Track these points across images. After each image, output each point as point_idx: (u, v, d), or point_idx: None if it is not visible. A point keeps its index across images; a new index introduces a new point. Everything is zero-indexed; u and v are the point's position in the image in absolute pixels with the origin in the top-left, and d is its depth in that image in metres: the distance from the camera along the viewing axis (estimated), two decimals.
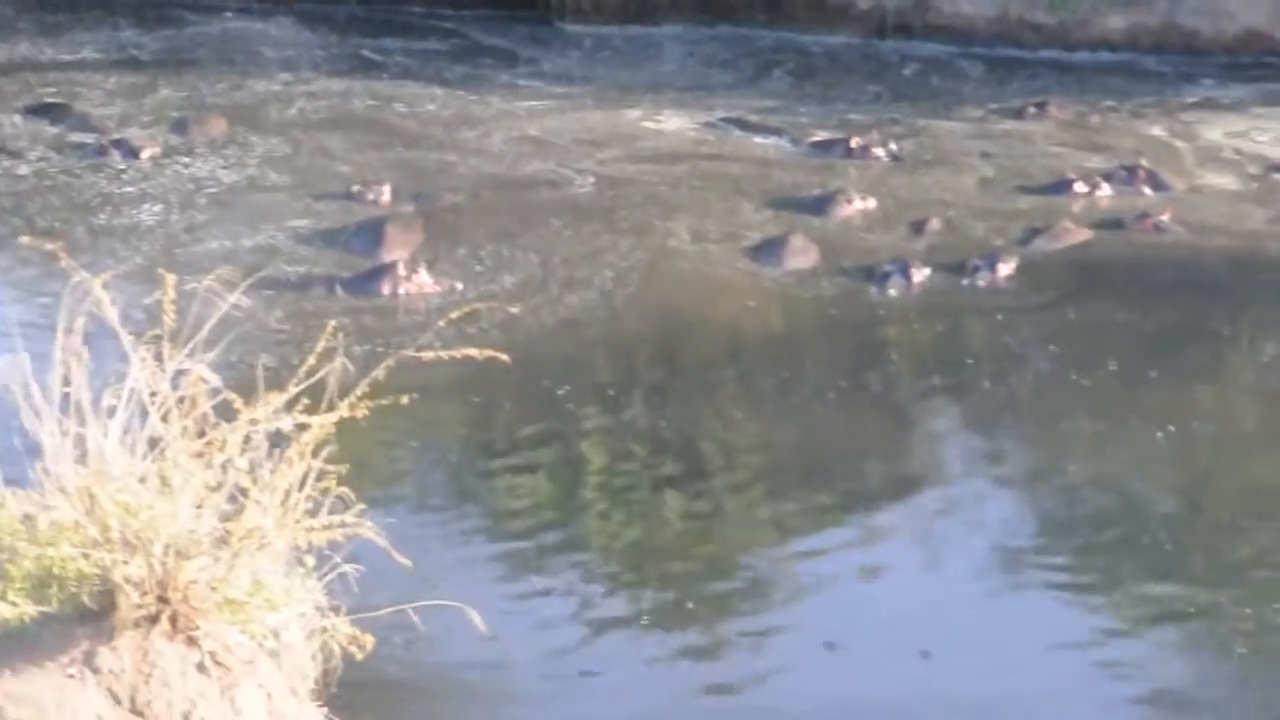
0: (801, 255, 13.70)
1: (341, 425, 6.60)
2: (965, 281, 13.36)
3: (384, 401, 6.69)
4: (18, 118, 16.92)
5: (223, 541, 6.29)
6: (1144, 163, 15.72)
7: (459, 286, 12.85)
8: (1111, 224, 14.51)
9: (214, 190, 15.00)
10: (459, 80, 18.78)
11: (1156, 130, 17.30)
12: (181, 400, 6.38)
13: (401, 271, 12.87)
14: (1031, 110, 17.85)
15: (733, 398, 11.65)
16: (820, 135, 16.79)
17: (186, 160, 15.75)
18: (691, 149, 16.60)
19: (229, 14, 21.53)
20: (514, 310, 12.22)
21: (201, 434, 6.45)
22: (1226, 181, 15.73)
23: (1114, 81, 19.11)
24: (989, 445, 11.32)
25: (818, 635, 8.89)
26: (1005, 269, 13.48)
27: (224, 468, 6.41)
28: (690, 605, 9.17)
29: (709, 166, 16.03)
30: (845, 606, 9.22)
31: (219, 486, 6.34)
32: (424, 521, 9.72)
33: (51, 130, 16.54)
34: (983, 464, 11.06)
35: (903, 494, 10.45)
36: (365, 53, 19.91)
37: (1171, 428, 11.01)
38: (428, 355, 6.92)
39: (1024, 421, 11.58)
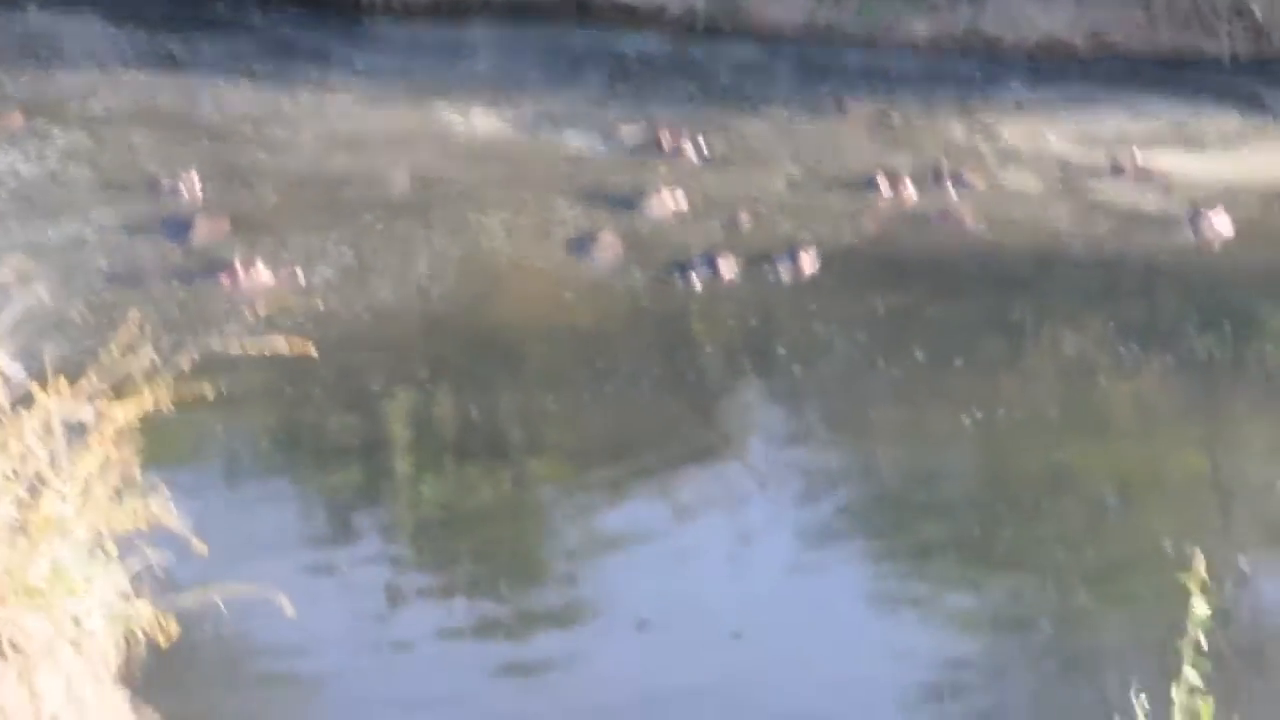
0: (612, 249, 13.80)
1: (147, 418, 6.56)
2: (772, 275, 13.51)
3: (187, 392, 6.64)
4: None
5: (21, 529, 6.22)
6: (946, 162, 16.03)
7: (268, 280, 12.76)
8: (916, 220, 14.78)
9: (11, 183, 14.75)
10: (269, 76, 18.59)
11: (959, 132, 17.61)
12: None
13: (208, 264, 12.75)
14: (838, 111, 18.11)
15: (543, 386, 11.66)
16: (631, 133, 16.90)
17: None
18: (503, 147, 16.61)
19: (31, 8, 21.14)
20: (321, 304, 12.16)
21: None
22: (1026, 181, 16.05)
23: (918, 85, 19.44)
24: (798, 430, 11.49)
25: (628, 615, 8.97)
26: (812, 263, 13.66)
27: (22, 456, 6.33)
28: (500, 586, 9.24)
29: (521, 164, 16.04)
30: (656, 587, 9.27)
31: (16, 475, 6.27)
32: (229, 508, 9.62)
33: None
34: (791, 448, 11.22)
35: (712, 478, 10.56)
36: (174, 49, 19.65)
37: (975, 414, 11.22)
38: (235, 348, 6.89)
39: (831, 407, 11.76)
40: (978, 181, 15.80)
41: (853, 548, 9.92)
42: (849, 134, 17.53)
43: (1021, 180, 16.08)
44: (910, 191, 15.40)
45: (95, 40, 20.07)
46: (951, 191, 15.47)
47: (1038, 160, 16.64)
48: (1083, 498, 10.48)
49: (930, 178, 15.67)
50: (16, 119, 16.45)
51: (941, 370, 11.98)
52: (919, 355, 12.15)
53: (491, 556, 9.55)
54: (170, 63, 19.13)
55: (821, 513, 10.22)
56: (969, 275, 13.84)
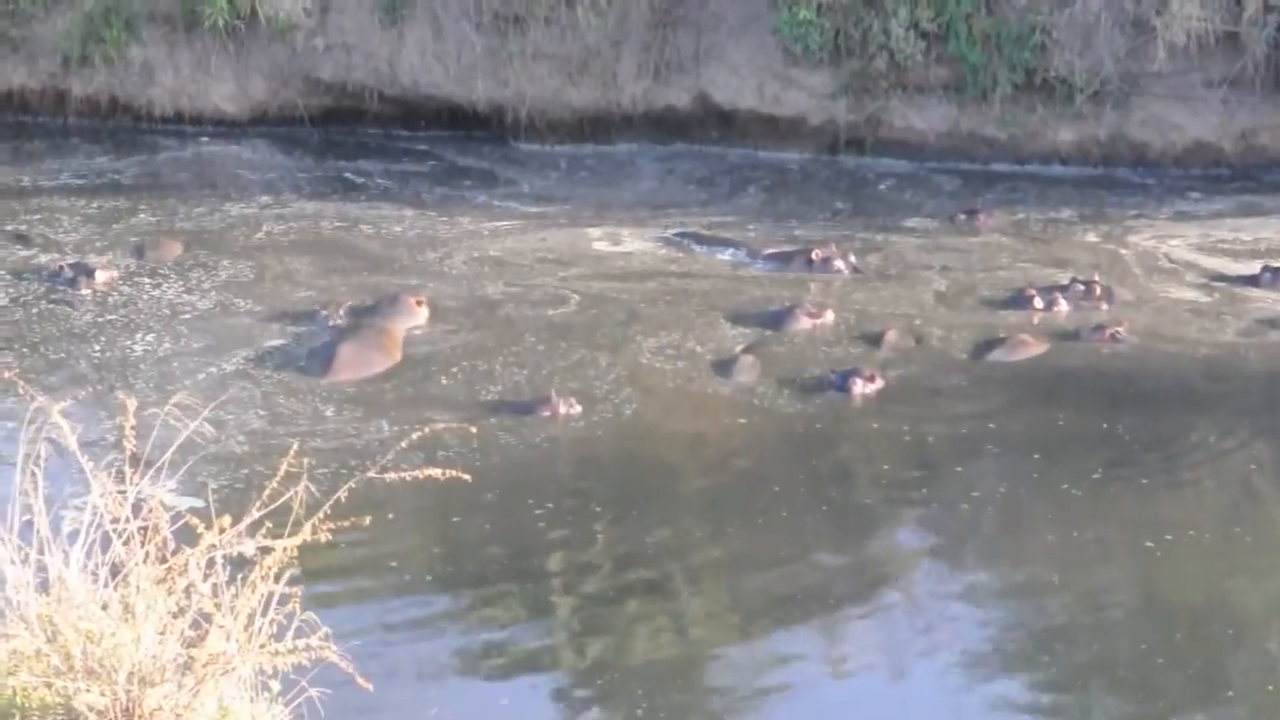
0: (762, 366, 13.76)
1: (305, 548, 6.56)
2: (922, 391, 13.42)
3: (345, 524, 6.65)
4: None
5: (187, 668, 6.23)
6: (1098, 275, 15.86)
7: (425, 408, 12.79)
8: (1069, 335, 14.62)
9: (173, 314, 15.00)
10: (427, 200, 18.95)
11: (1109, 242, 17.46)
12: (143, 526, 6.33)
13: (369, 391, 12.84)
14: (985, 223, 18.02)
15: (694, 511, 11.61)
16: (779, 249, 16.92)
17: (148, 284, 15.78)
18: (656, 266, 16.71)
19: (204, 139, 21.67)
20: (478, 429, 12.18)
21: (163, 559, 6.39)
22: (1177, 292, 15.85)
23: (1066, 194, 19.30)
24: (954, 553, 11.26)
25: None
26: (963, 378, 13.55)
27: (187, 593, 6.36)
28: (661, 715, 9.13)
29: (672, 283, 16.14)
30: (813, 715, 9.16)
31: (182, 612, 6.29)
32: (389, 642, 9.63)
33: (14, 256, 16.54)
34: (948, 572, 11.02)
35: (869, 603, 10.41)
36: (346, 175, 20.06)
37: (1137, 537, 11.03)
38: (390, 477, 6.89)
39: (986, 528, 11.57)
40: (1129, 293, 15.63)
41: (1012, 678, 9.70)
42: (997, 245, 17.43)
43: (1173, 291, 15.89)
44: (1063, 305, 15.25)
45: (264, 168, 20.55)
46: (1104, 305, 15.30)
47: (1188, 270, 16.45)
48: (1246, 630, 10.15)
49: (1081, 290, 15.50)
50: (181, 249, 16.78)
51: (1100, 490, 11.78)
52: (1076, 474, 11.97)
53: (652, 688, 9.43)
54: (337, 188, 19.53)
55: (979, 642, 9.99)
56: (1124, 391, 13.63)
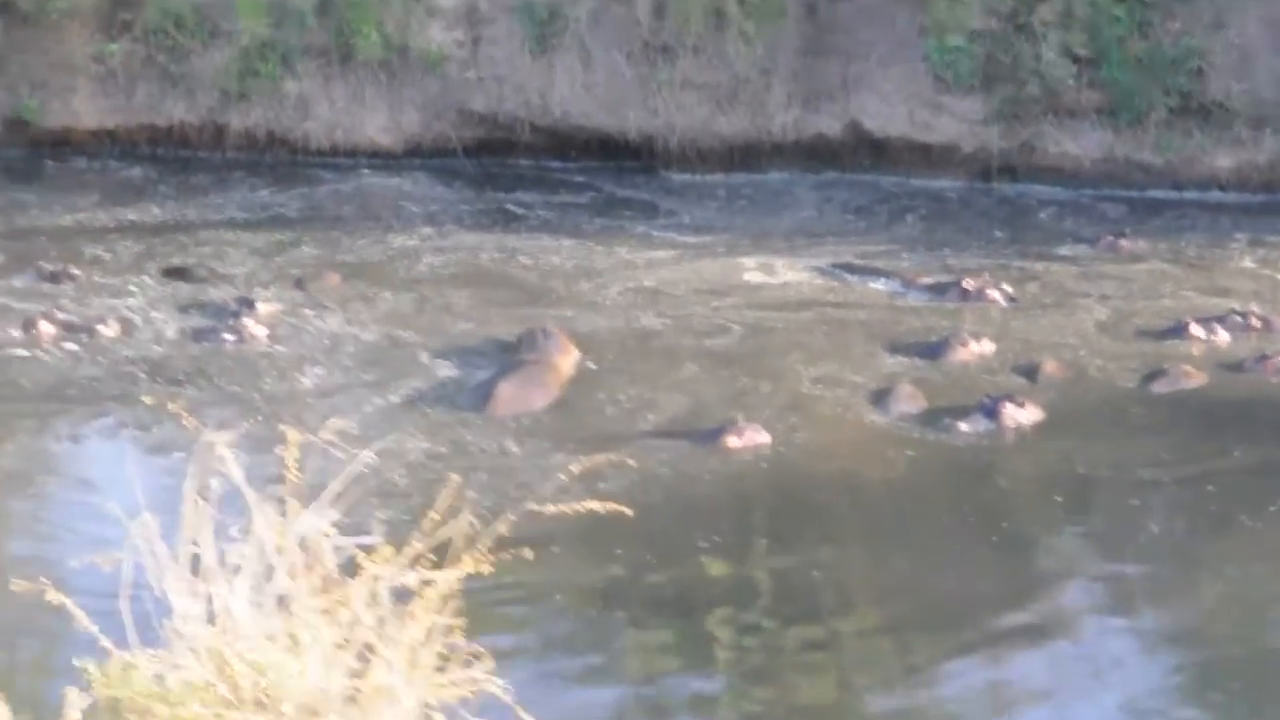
0: (918, 396, 13.63)
1: (469, 583, 6.59)
2: (1086, 423, 13.22)
3: (507, 555, 6.67)
4: (148, 279, 17.24)
5: (352, 699, 6.27)
6: (1257, 305, 15.58)
7: (587, 439, 12.81)
8: (1232, 366, 14.36)
9: (335, 347, 15.16)
10: (593, 232, 19.09)
11: (1269, 269, 17.15)
12: (307, 557, 6.39)
13: (529, 424, 12.88)
14: (1143, 250, 17.78)
15: (853, 541, 11.53)
16: (934, 279, 16.80)
17: (310, 315, 15.98)
18: (811, 295, 16.68)
19: (365, 171, 21.96)
20: (632, 461, 12.14)
21: (327, 591, 6.44)
22: None
23: (1225, 221, 19.01)
24: (1124, 591, 10.95)
25: None
26: (1127, 411, 13.35)
27: (351, 624, 6.40)
28: None
29: (830, 312, 16.11)
30: None
31: (347, 643, 6.33)
32: (549, 675, 9.64)
33: (181, 291, 16.82)
34: (1117, 611, 10.73)
35: (1034, 642, 10.19)
36: (507, 206, 20.24)
37: None
38: (552, 509, 6.91)
39: (1159, 566, 11.27)
40: None
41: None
42: (1156, 274, 17.19)
43: None
44: (1222, 335, 14.99)
45: (425, 200, 20.81)
46: (1265, 334, 15.01)
47: None
48: None
49: (1241, 320, 15.22)
50: (337, 281, 16.99)
51: (1272, 527, 11.47)
52: (1252, 507, 11.66)
53: None
54: (497, 219, 19.71)
55: (1146, 681, 9.75)
56: None
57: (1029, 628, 10.37)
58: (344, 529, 6.65)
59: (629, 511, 7.33)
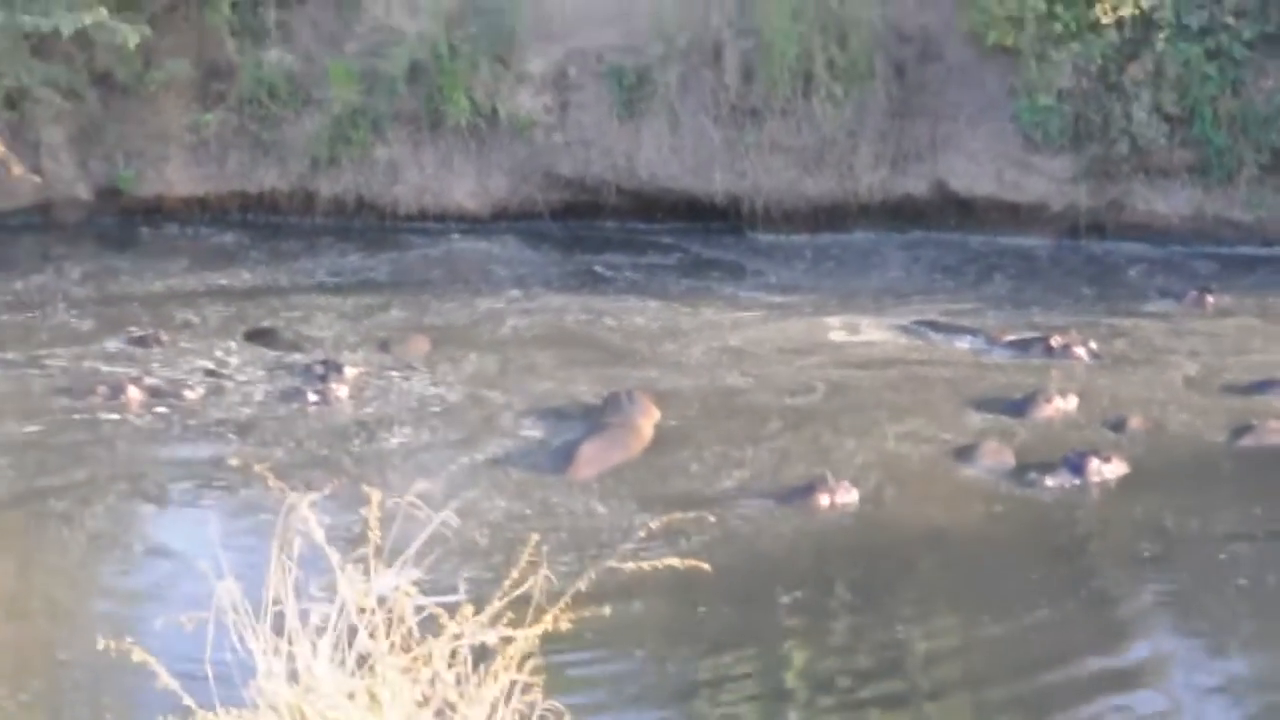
0: (1003, 454, 13.56)
1: (547, 637, 6.62)
2: (1173, 479, 13.11)
3: (586, 613, 6.70)
4: (233, 343, 17.44)
5: None
6: None
7: (669, 496, 12.84)
8: None
9: (420, 408, 15.23)
10: (679, 293, 19.15)
11: None
12: (389, 616, 6.45)
13: (612, 484, 12.92)
14: (1232, 307, 17.66)
15: (937, 600, 11.42)
16: (1018, 336, 16.76)
17: (396, 377, 16.08)
18: (895, 353, 16.67)
19: (454, 235, 22.18)
20: (714, 518, 12.14)
21: (408, 649, 6.50)
22: None
23: None
24: (1216, 647, 10.80)
25: None
26: (1215, 467, 13.24)
27: (431, 682, 6.45)
28: None
29: (914, 370, 16.08)
30: None
31: (426, 701, 6.38)
32: None
33: (267, 354, 17.00)
34: (1210, 667, 10.54)
35: (1125, 700, 10.03)
36: (595, 268, 20.37)
37: None
38: (632, 566, 6.94)
39: (1251, 622, 11.08)
40: None
41: None
42: (1243, 329, 17.08)
43: None
44: None
45: (514, 263, 20.98)
46: None
47: None
48: None
49: None
50: (423, 344, 17.14)
51: None
52: None
53: None
54: (585, 281, 19.83)
55: None
56: None
57: (1116, 683, 10.23)
58: (426, 588, 6.71)
59: (709, 568, 7.35)
